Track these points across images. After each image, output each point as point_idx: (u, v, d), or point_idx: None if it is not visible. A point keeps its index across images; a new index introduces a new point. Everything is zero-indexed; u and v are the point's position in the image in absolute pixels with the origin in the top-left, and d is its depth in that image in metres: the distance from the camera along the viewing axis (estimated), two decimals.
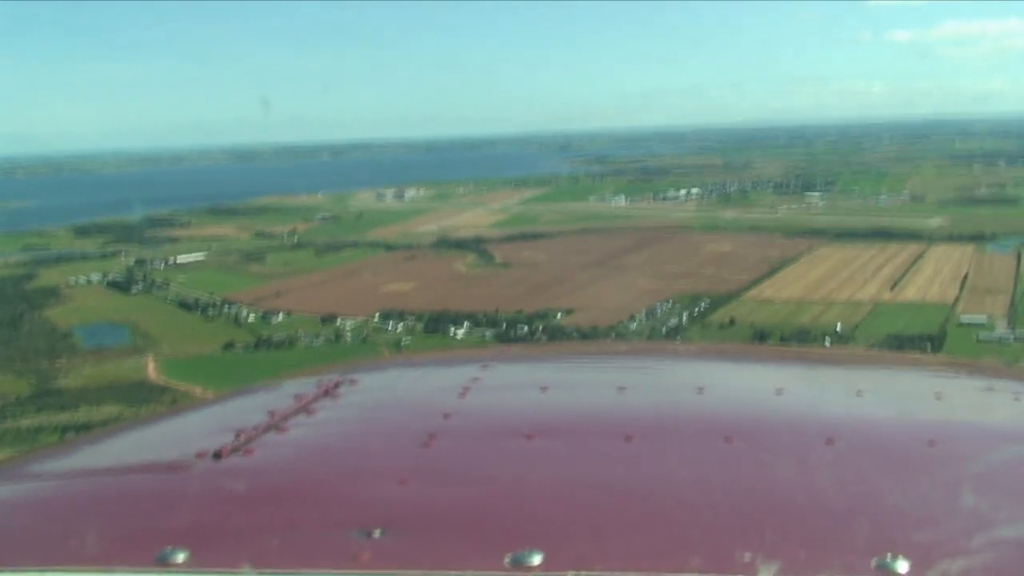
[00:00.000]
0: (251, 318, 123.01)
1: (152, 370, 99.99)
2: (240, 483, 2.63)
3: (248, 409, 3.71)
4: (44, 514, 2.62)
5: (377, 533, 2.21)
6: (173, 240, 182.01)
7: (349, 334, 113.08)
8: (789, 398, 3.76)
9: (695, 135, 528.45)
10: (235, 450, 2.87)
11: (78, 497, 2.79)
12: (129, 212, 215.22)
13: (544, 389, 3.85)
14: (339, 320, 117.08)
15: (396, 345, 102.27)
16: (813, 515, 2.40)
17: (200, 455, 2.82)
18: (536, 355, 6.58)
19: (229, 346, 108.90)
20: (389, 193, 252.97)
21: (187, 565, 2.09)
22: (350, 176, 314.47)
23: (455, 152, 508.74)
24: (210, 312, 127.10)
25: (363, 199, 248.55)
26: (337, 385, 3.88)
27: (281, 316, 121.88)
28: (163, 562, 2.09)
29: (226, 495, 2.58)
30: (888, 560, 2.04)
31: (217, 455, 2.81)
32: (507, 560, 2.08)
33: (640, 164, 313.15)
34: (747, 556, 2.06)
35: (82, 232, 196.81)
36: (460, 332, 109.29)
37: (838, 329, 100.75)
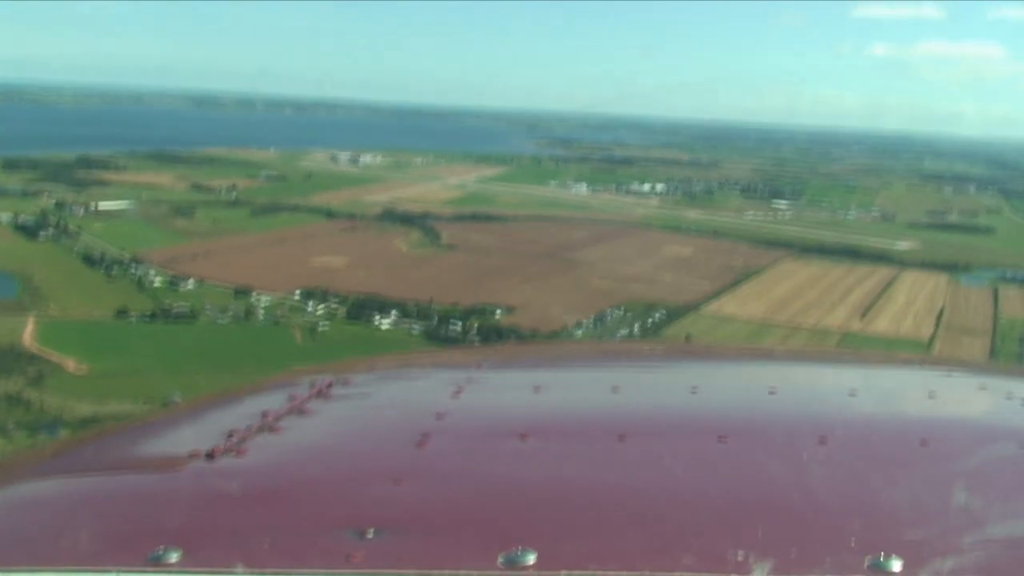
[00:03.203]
0: (158, 282, 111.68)
1: (29, 334, 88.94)
2: (233, 483, 2.64)
3: (241, 409, 3.67)
4: (36, 514, 2.64)
5: (371, 533, 2.22)
6: (104, 184, 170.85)
7: (262, 312, 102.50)
8: (782, 397, 3.79)
9: (665, 127, 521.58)
10: (228, 450, 2.88)
11: (71, 497, 2.81)
12: (68, 148, 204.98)
13: (537, 389, 3.83)
14: (254, 295, 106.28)
15: (311, 331, 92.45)
16: (806, 514, 2.43)
17: (193, 455, 2.84)
18: (529, 355, 6.35)
19: (123, 313, 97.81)
20: (344, 156, 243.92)
21: (180, 565, 2.10)
22: (308, 134, 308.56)
23: (422, 120, 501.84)
24: (115, 270, 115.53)
25: (316, 159, 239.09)
26: (330, 385, 3.85)
27: (191, 283, 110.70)
28: (156, 562, 2.10)
29: (219, 495, 2.60)
30: (881, 559, 2.06)
31: (210, 455, 2.82)
32: (501, 560, 2.09)
33: (607, 151, 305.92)
34: (740, 555, 2.07)
35: (11, 165, 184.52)
36: (386, 322, 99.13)
37: None
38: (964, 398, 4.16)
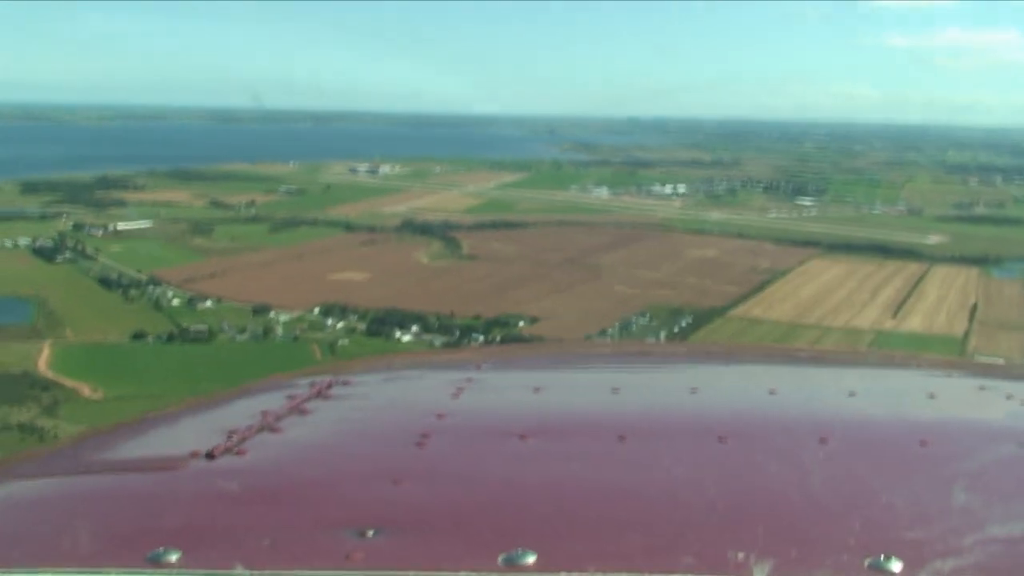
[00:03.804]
0: (175, 302, 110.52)
1: (43, 360, 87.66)
2: (233, 483, 2.64)
3: (241, 409, 3.67)
4: (34, 514, 2.62)
5: (370, 533, 2.21)
6: (123, 203, 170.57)
7: (280, 330, 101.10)
8: (782, 398, 3.79)
9: (684, 127, 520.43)
10: (228, 450, 2.88)
11: (69, 497, 2.80)
12: (87, 168, 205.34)
13: (538, 390, 3.81)
14: (272, 312, 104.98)
15: (331, 348, 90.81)
16: (806, 515, 2.44)
17: (193, 455, 2.84)
18: (530, 356, 6.21)
19: (139, 335, 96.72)
20: (363, 167, 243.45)
21: (179, 565, 2.10)
22: (327, 146, 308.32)
23: (440, 128, 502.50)
24: (132, 292, 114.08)
25: (335, 171, 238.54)
26: (330, 386, 3.83)
27: (209, 303, 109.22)
28: (155, 562, 2.11)
29: (219, 495, 2.59)
30: (881, 559, 2.07)
31: (210, 455, 2.82)
32: (500, 560, 2.09)
33: (627, 154, 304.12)
34: (740, 555, 2.09)
35: (30, 188, 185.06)
36: (406, 337, 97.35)
37: None
38: (964, 398, 4.10)
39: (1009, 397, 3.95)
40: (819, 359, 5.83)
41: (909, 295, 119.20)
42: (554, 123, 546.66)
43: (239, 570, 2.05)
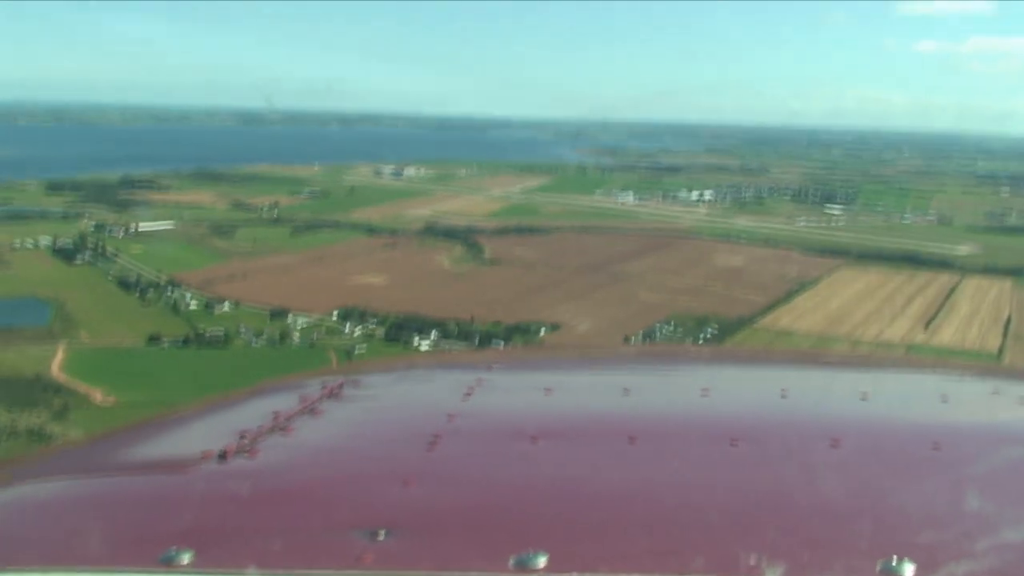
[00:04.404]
0: (193, 305, 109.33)
1: (57, 363, 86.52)
2: (245, 484, 2.68)
3: (252, 410, 3.72)
4: (48, 514, 2.66)
5: (382, 534, 2.24)
6: (146, 204, 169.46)
7: (297, 335, 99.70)
8: (794, 401, 3.86)
9: (711, 132, 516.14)
10: (240, 451, 2.92)
11: (82, 497, 2.85)
12: (112, 168, 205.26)
13: (548, 391, 3.88)
14: (290, 316, 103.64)
15: (348, 354, 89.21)
16: (818, 518, 2.46)
17: (205, 456, 2.87)
18: (540, 358, 6.52)
19: (154, 339, 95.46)
20: (387, 169, 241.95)
21: (192, 565, 2.12)
22: (353, 148, 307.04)
23: (466, 131, 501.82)
24: (150, 294, 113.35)
25: (360, 173, 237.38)
26: (341, 386, 3.91)
27: (227, 306, 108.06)
28: (168, 562, 2.13)
29: (231, 496, 2.62)
30: (893, 563, 2.08)
31: (222, 456, 2.86)
32: (511, 562, 2.11)
33: (653, 159, 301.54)
34: (752, 558, 2.10)
35: (55, 188, 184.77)
36: (425, 343, 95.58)
37: None
38: (977, 402, 4.10)
39: (1022, 401, 3.96)
40: (830, 362, 5.69)
41: (941, 307, 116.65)
42: (580, 127, 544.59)
43: (251, 571, 2.06)
